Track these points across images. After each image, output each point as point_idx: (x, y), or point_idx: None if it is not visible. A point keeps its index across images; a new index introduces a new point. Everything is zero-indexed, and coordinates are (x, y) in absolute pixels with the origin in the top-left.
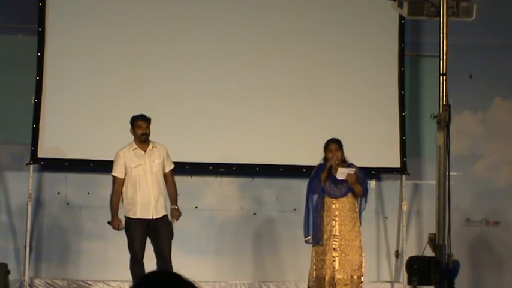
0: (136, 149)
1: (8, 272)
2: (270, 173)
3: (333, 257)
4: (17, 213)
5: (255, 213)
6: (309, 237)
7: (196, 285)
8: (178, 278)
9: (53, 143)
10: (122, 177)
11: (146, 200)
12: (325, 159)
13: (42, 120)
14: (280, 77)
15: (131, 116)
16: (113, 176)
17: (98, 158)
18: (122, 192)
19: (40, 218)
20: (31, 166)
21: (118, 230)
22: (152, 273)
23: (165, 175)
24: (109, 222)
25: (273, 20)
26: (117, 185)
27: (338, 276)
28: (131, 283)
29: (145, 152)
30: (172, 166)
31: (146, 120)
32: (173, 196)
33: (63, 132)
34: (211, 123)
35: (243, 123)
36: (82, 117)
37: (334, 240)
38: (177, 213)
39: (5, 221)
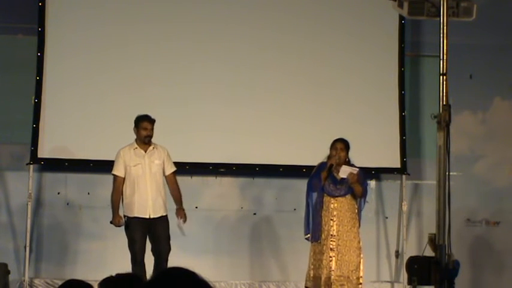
0: (136, 148)
1: (8, 272)
2: (270, 173)
3: (330, 257)
4: (17, 213)
5: (255, 213)
6: (309, 235)
7: (211, 284)
8: (193, 276)
9: (53, 143)
10: (122, 175)
11: (143, 199)
12: (329, 157)
13: (42, 120)
14: (280, 77)
15: (133, 115)
16: (114, 175)
17: (98, 158)
18: (122, 191)
19: (40, 218)
20: (31, 166)
21: (119, 226)
22: (166, 271)
23: (167, 178)
24: (111, 222)
25: (273, 20)
26: (118, 183)
27: (334, 276)
28: None
29: (145, 152)
30: (174, 169)
31: (151, 121)
32: (177, 197)
33: (63, 132)
34: (211, 123)
35: (243, 123)
36: (82, 117)
37: (331, 240)
38: (182, 213)
39: (5, 221)
